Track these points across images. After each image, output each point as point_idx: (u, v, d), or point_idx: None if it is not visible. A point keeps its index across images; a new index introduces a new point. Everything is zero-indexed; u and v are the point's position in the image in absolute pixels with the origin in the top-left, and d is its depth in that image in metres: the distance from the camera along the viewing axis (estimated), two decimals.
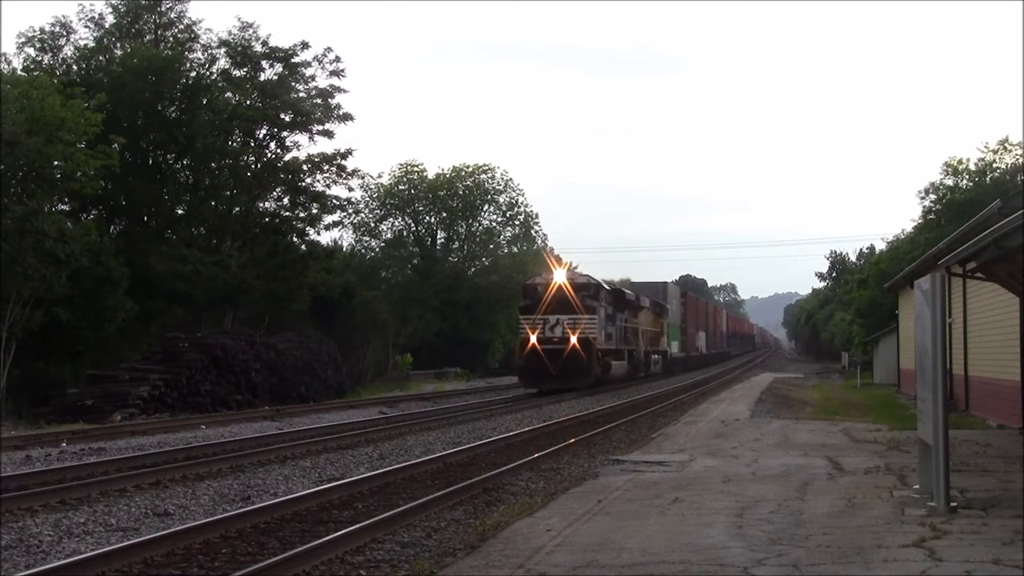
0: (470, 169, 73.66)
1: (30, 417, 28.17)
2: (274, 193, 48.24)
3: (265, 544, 10.64)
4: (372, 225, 71.30)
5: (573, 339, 39.57)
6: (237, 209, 46.42)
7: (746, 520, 10.98)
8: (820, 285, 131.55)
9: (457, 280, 67.98)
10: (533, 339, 39.79)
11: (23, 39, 43.60)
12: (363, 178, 52.84)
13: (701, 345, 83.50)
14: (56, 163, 31.97)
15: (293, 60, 47.34)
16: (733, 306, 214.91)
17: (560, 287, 40.38)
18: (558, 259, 59.56)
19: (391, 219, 72.26)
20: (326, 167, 48.65)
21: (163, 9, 46.61)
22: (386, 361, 55.65)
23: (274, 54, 47.08)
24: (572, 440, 21.12)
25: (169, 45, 45.71)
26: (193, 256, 40.62)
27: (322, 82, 48.24)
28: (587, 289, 41.62)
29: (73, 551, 10.23)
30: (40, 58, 43.39)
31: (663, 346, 59.86)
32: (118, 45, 45.47)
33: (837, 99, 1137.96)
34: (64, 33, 44.50)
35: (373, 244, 71.58)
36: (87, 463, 16.46)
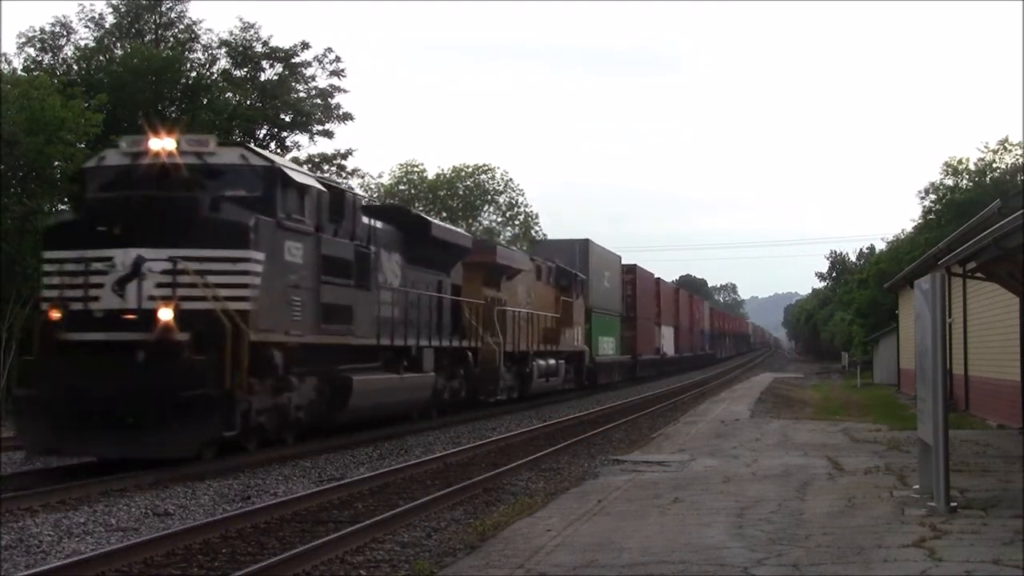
0: (470, 169, 73.64)
1: None
2: None
3: (265, 544, 10.63)
4: None
5: (164, 315, 15.63)
6: None
7: (746, 520, 10.98)
8: (820, 285, 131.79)
9: None
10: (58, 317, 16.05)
11: (23, 39, 43.59)
12: (363, 178, 52.86)
13: (665, 345, 61.78)
14: (56, 163, 31.93)
15: (293, 60, 47.31)
16: (733, 306, 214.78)
17: (163, 170, 16.61)
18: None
19: None
20: (326, 167, 48.63)
21: (163, 9, 46.58)
22: None
23: (274, 54, 47.04)
24: (572, 440, 21.10)
25: (169, 45, 45.70)
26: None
27: (322, 82, 48.23)
28: (241, 179, 17.07)
29: (73, 551, 10.23)
30: (40, 58, 43.38)
31: (573, 342, 37.91)
32: (118, 45, 45.45)
33: (837, 99, 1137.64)
34: (64, 33, 44.49)
35: None
36: (87, 462, 16.43)
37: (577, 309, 38.92)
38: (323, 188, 18.73)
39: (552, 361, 34.81)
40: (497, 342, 28.66)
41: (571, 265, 39.92)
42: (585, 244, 43.50)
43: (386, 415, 22.24)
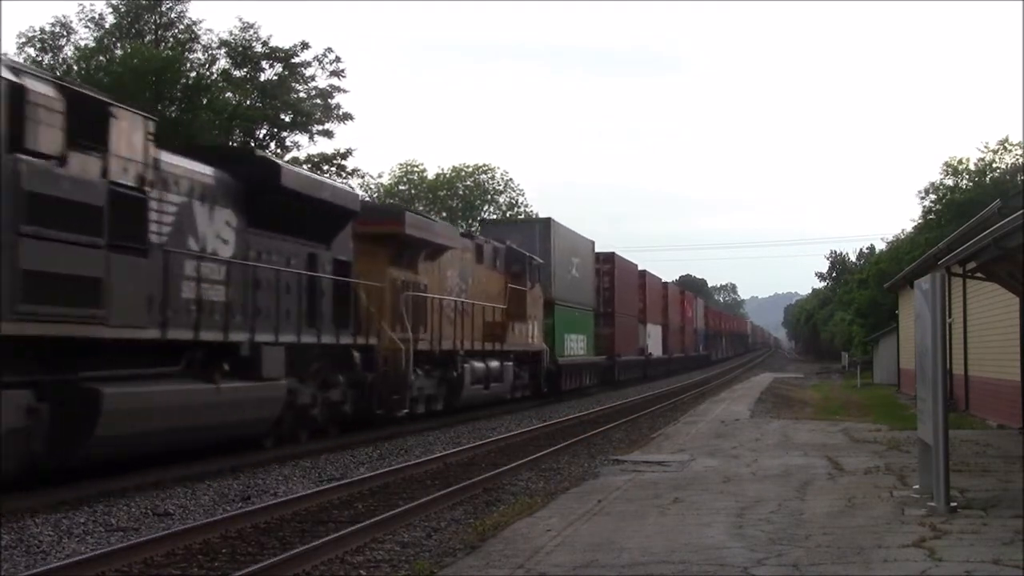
0: (470, 169, 73.78)
1: None
2: None
3: (265, 544, 10.63)
4: None
5: None
6: None
7: (746, 520, 10.98)
8: (820, 285, 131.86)
9: None
10: None
11: (23, 39, 43.67)
12: (363, 178, 52.87)
13: (651, 345, 55.90)
14: None
15: (293, 60, 47.39)
16: (733, 306, 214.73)
17: None
18: None
19: None
20: (326, 167, 48.66)
21: (163, 9, 46.63)
22: None
23: (274, 54, 47.11)
24: (572, 440, 21.11)
25: (169, 45, 45.75)
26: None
27: (322, 82, 48.34)
28: None
29: (73, 551, 10.22)
30: (40, 58, 43.44)
31: (527, 340, 32.24)
32: (118, 45, 45.50)
33: (837, 99, 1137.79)
34: (64, 33, 44.59)
35: None
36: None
37: (533, 300, 32.84)
38: (40, 84, 12.54)
39: (495, 363, 28.68)
40: (405, 338, 22.08)
41: (529, 249, 33.43)
42: (547, 224, 37.00)
43: (191, 444, 15.62)
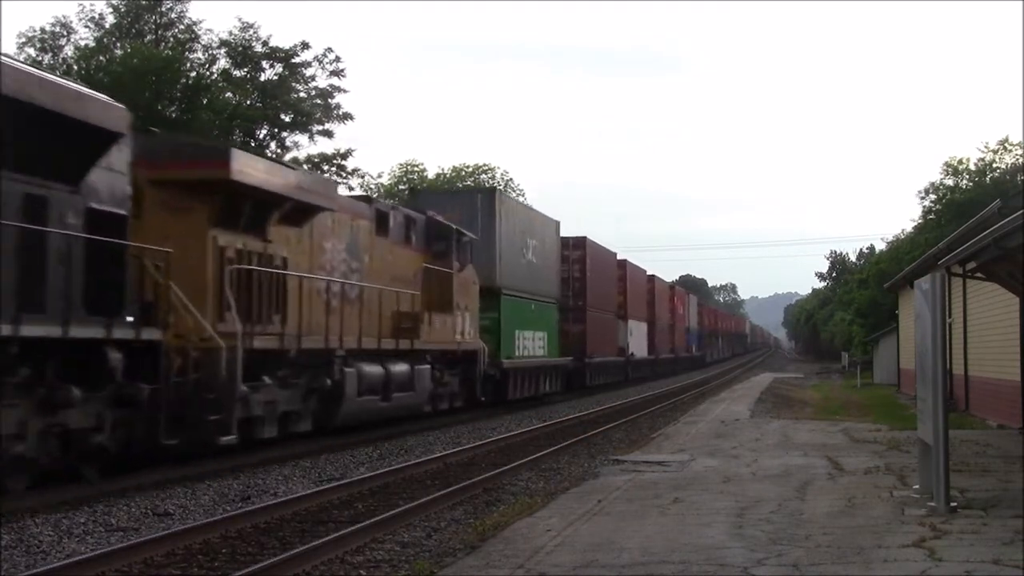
0: (470, 169, 73.78)
1: None
2: None
3: (265, 544, 10.63)
4: None
5: None
6: None
7: (746, 520, 10.98)
8: (820, 285, 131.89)
9: None
10: None
11: (23, 39, 43.68)
12: (363, 177, 52.86)
13: (633, 344, 49.74)
14: None
15: (293, 60, 47.41)
16: (733, 306, 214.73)
17: None
18: None
19: None
20: (326, 167, 48.66)
21: (164, 9, 46.64)
22: None
23: (274, 54, 47.13)
24: (572, 440, 21.12)
25: (169, 45, 45.76)
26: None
27: (322, 82, 48.37)
28: None
29: (73, 551, 10.22)
30: (40, 58, 43.45)
31: (454, 336, 26.09)
32: (118, 45, 45.51)
33: (837, 99, 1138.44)
34: (64, 33, 44.60)
35: None
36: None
37: (463, 286, 26.69)
38: None
39: (402, 367, 22.33)
40: (230, 332, 15.76)
41: (468, 226, 27.72)
42: (491, 196, 31.20)
43: None
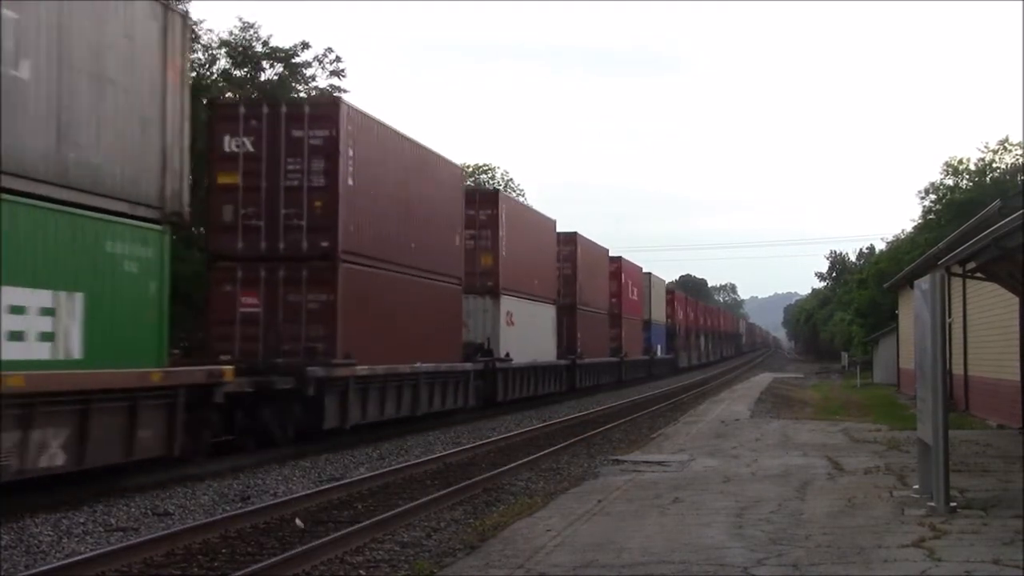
0: (470, 169, 73.71)
1: None
2: None
3: (265, 544, 10.64)
4: None
5: None
6: None
7: (746, 520, 10.98)
8: (820, 285, 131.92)
9: None
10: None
11: None
12: None
13: (514, 341, 30.49)
14: None
15: (294, 60, 47.36)
16: (733, 306, 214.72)
17: None
18: None
19: None
20: None
21: None
22: None
23: (275, 54, 47.06)
24: (572, 440, 21.10)
25: None
26: (191, 256, 40.50)
27: (322, 82, 48.23)
28: None
29: (73, 551, 10.23)
30: None
31: None
32: None
33: (837, 99, 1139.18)
34: None
35: None
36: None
37: None
38: None
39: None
40: None
41: None
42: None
43: None
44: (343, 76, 48.37)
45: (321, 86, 48.03)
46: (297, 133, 19.33)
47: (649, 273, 59.34)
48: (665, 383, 51.00)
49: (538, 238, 35.17)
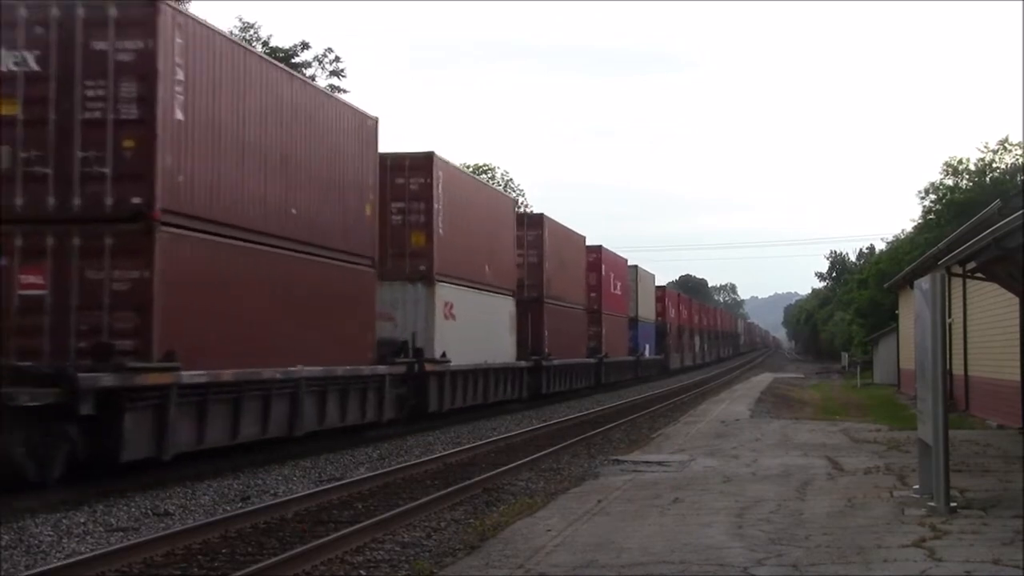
0: (470, 169, 73.72)
1: None
2: None
3: (265, 544, 10.63)
4: None
5: None
6: None
7: (746, 520, 10.98)
8: (820, 285, 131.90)
9: None
10: None
11: None
12: None
13: (451, 340, 24.76)
14: None
15: (293, 60, 47.41)
16: (733, 306, 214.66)
17: None
18: None
19: None
20: None
21: None
22: None
23: (274, 54, 47.12)
24: (572, 440, 21.10)
25: None
26: None
27: (322, 82, 48.32)
28: None
29: (73, 551, 10.23)
30: None
31: None
32: None
33: (838, 99, 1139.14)
34: None
35: None
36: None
37: None
38: None
39: None
40: None
41: None
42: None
43: None
44: (343, 76, 48.59)
45: (321, 86, 48.18)
46: (99, 45, 14.07)
47: (636, 266, 55.09)
48: (655, 385, 50.43)
49: (492, 218, 29.43)
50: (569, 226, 39.40)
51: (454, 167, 27.90)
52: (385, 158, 22.91)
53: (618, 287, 48.75)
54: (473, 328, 26.72)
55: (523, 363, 31.73)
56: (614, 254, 48.83)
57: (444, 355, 24.33)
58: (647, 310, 57.26)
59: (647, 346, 55.83)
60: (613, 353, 45.92)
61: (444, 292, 24.83)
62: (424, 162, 24.66)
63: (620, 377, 47.94)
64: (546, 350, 34.29)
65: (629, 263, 53.18)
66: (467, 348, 25.87)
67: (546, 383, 34.28)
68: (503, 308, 30.10)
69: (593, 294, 43.44)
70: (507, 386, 30.26)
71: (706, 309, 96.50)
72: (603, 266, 44.91)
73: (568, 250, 38.89)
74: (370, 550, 10.31)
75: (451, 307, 25.35)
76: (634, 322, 52.89)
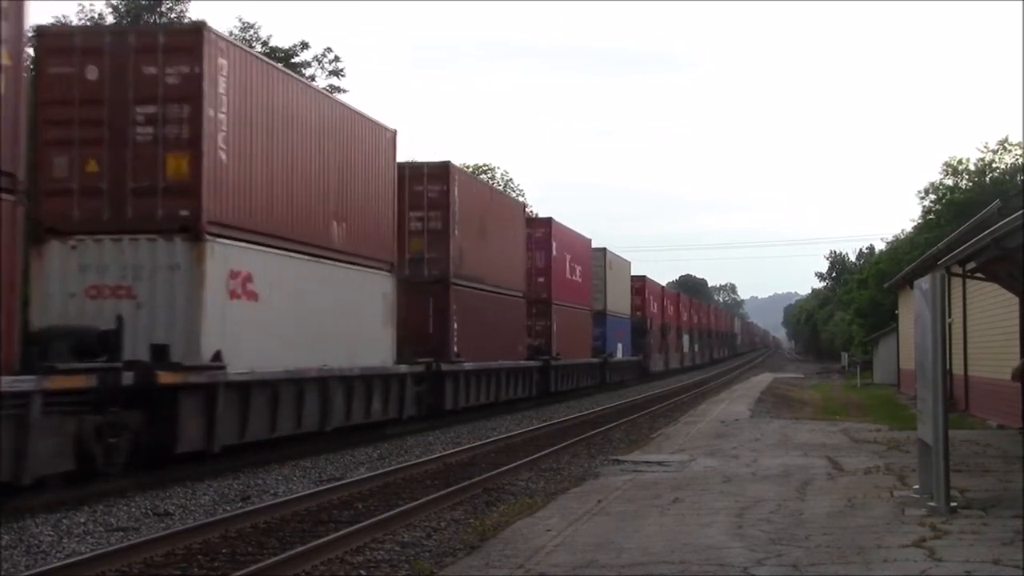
0: (470, 169, 73.71)
1: None
2: None
3: (265, 544, 10.64)
4: None
5: None
6: None
7: (746, 520, 10.98)
8: (820, 285, 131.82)
9: None
10: None
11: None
12: None
13: (229, 334, 15.48)
14: None
15: (293, 60, 47.39)
16: (733, 306, 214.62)
17: None
18: None
19: None
20: None
21: (163, 9, 46.65)
22: None
23: (274, 54, 47.10)
24: (572, 440, 21.11)
25: None
26: None
27: (322, 82, 48.30)
28: None
29: (73, 551, 10.23)
30: None
31: None
32: None
33: (838, 99, 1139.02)
34: None
35: None
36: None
37: None
38: None
39: None
40: None
41: None
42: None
43: None
44: (342, 76, 48.56)
45: (320, 86, 48.16)
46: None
47: (604, 249, 45.70)
48: (655, 385, 50.36)
49: (346, 151, 20.06)
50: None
51: (253, 52, 20.25)
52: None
53: (577, 272, 39.99)
54: (305, 316, 18.03)
55: (406, 368, 22.19)
56: (572, 231, 39.97)
57: (219, 355, 15.34)
58: (620, 303, 48.49)
59: (619, 345, 47.91)
60: (568, 354, 37.33)
61: (230, 255, 15.90)
62: (191, 38, 15.61)
63: (577, 384, 39.14)
64: (455, 349, 25.56)
65: (587, 240, 42.95)
66: (286, 347, 17.34)
67: (450, 395, 25.14)
68: (372, 289, 21.08)
69: (540, 279, 35.28)
70: (381, 402, 21.21)
71: (697, 305, 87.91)
72: (554, 244, 36.15)
73: (496, 218, 29.84)
74: (370, 550, 10.31)
75: (245, 281, 16.35)
76: (601, 316, 44.31)
